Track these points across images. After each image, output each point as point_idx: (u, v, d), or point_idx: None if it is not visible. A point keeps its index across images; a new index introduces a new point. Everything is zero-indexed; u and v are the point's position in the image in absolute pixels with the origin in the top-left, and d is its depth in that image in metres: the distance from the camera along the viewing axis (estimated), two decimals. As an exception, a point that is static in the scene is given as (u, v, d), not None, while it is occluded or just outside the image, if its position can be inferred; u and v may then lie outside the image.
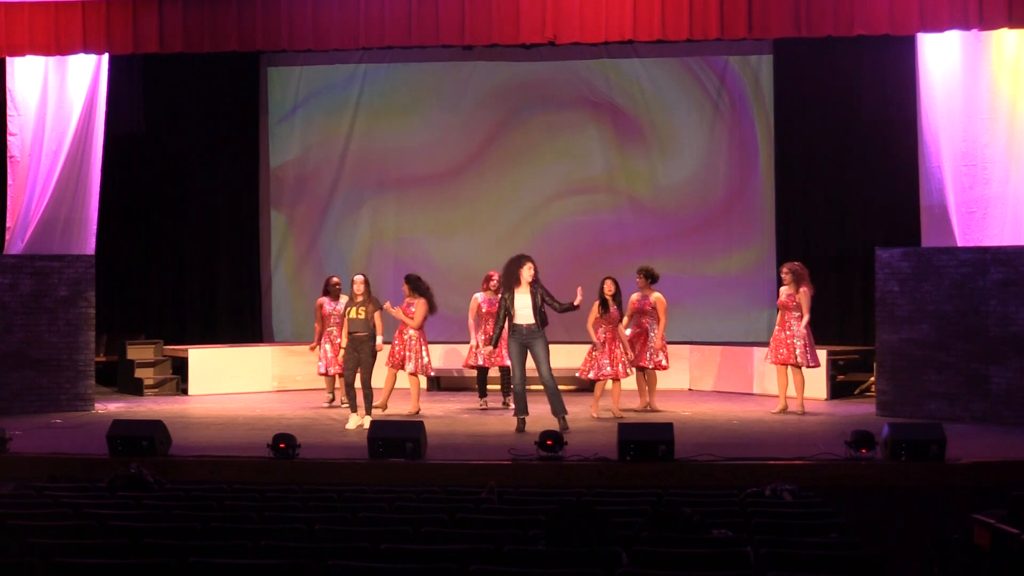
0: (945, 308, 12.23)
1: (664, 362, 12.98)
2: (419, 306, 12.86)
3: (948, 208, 12.36)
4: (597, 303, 12.43)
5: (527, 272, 11.51)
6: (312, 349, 13.79)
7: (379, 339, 12.03)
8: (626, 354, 12.54)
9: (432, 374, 13.52)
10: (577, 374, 12.86)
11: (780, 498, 7.55)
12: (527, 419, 11.46)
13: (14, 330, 13.19)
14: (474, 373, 13.68)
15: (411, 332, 12.88)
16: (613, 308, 12.42)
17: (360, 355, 11.92)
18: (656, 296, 12.88)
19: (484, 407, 13.26)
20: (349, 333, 12.00)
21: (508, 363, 12.52)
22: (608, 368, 12.43)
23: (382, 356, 12.54)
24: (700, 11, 11.97)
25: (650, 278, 12.94)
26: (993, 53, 12.16)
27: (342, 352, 12.38)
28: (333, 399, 13.69)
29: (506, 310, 11.52)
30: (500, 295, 11.78)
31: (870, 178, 14.98)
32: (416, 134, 16.61)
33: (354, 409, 11.99)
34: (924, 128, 12.53)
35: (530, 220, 16.36)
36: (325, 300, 13.60)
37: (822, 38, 12.43)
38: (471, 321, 13.24)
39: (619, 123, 16.31)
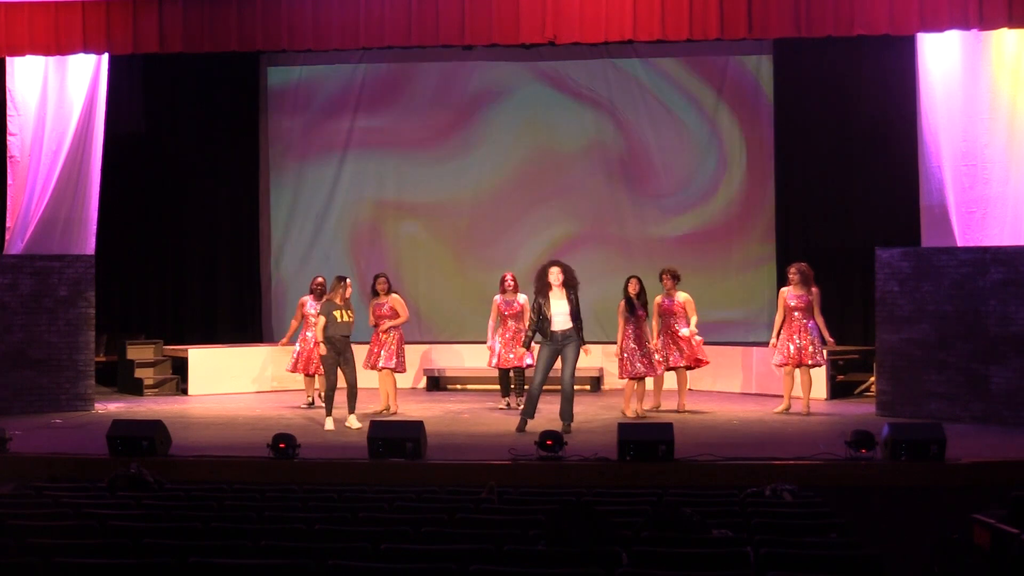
0: (945, 308, 12.23)
1: (703, 357, 12.97)
2: (399, 304, 12.89)
3: (948, 208, 12.36)
4: (623, 303, 12.44)
5: (553, 276, 11.57)
6: (283, 345, 13.90)
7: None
8: (655, 351, 12.55)
9: (404, 371, 13.38)
10: (618, 378, 12.89)
11: (780, 498, 7.55)
12: (530, 422, 11.45)
13: (14, 330, 13.20)
14: (484, 373, 13.74)
15: (392, 332, 12.86)
16: (639, 307, 12.42)
17: (344, 356, 11.89)
18: (685, 296, 12.85)
19: (507, 407, 13.22)
20: (332, 336, 11.91)
21: (524, 365, 12.83)
22: (640, 368, 12.44)
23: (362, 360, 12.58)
24: (700, 11, 11.97)
25: (676, 279, 12.85)
26: (993, 53, 12.17)
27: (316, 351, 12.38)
28: (313, 402, 13.62)
29: (541, 315, 11.52)
30: (534, 300, 11.76)
31: (870, 178, 14.98)
32: (416, 134, 16.61)
33: (329, 412, 11.89)
34: (924, 128, 12.54)
35: (530, 220, 16.36)
36: (309, 299, 13.57)
37: (822, 38, 12.43)
38: (491, 323, 13.26)
39: (618, 123, 16.31)
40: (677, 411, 12.73)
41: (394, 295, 12.99)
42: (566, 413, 11.43)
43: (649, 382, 12.83)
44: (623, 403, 12.68)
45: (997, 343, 11.95)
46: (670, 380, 13.10)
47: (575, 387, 11.69)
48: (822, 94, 15.38)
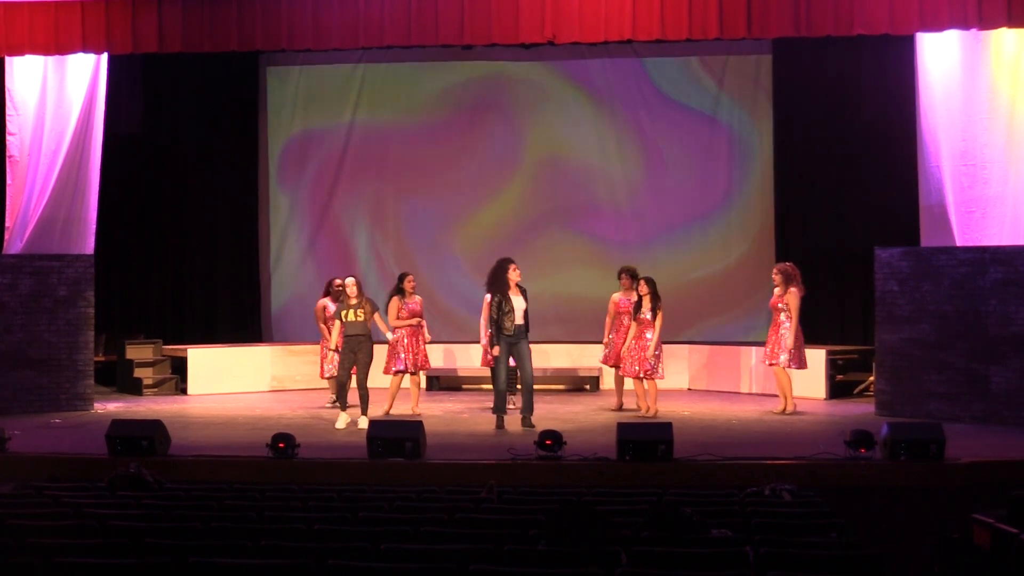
0: (945, 308, 12.23)
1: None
2: (421, 305, 12.93)
3: (947, 208, 12.36)
4: (633, 302, 12.56)
5: (514, 274, 11.83)
6: (333, 350, 12.95)
7: (390, 334, 12.32)
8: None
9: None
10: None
11: (779, 498, 7.55)
12: (505, 417, 11.78)
13: (13, 330, 13.19)
14: (482, 372, 13.73)
15: (419, 332, 12.89)
16: (644, 310, 12.43)
17: (358, 356, 11.91)
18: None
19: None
20: (346, 335, 11.97)
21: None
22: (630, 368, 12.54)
23: (380, 359, 12.56)
24: (700, 11, 11.96)
25: (636, 278, 12.85)
26: (992, 53, 12.16)
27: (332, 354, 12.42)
28: (335, 401, 13.62)
29: (501, 312, 11.73)
30: (492, 298, 11.89)
31: (869, 178, 14.98)
32: (415, 133, 16.61)
33: (344, 408, 11.99)
34: (923, 128, 12.54)
35: (529, 218, 16.36)
36: (328, 302, 13.52)
37: (822, 38, 12.43)
38: (483, 321, 13.24)
39: (618, 122, 16.30)
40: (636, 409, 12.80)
41: (418, 296, 13.02)
42: (527, 407, 11.69)
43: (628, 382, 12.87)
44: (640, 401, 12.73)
45: (997, 343, 11.95)
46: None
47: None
48: (821, 94, 15.37)
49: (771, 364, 12.64)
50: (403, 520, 6.69)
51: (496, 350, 11.92)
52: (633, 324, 12.51)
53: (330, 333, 12.86)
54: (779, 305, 12.57)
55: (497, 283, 11.84)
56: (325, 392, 13.93)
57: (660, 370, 12.49)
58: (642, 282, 12.49)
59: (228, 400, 14.41)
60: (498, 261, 12.03)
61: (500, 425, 11.67)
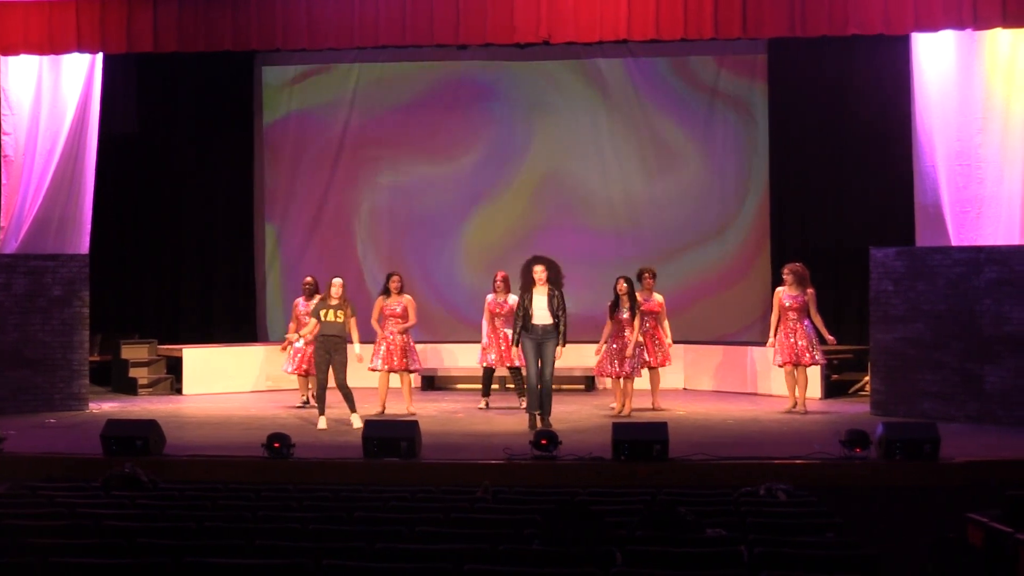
0: (939, 307, 12.25)
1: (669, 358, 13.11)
2: (411, 305, 12.92)
3: (942, 208, 12.38)
4: (611, 301, 12.55)
5: (538, 273, 11.79)
6: (283, 349, 13.68)
7: (358, 346, 12.00)
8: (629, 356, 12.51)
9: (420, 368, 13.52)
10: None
11: (775, 497, 7.56)
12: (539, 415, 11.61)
13: (8, 330, 13.17)
14: (477, 372, 13.74)
15: (404, 332, 12.87)
16: (621, 309, 12.42)
17: (333, 357, 11.88)
18: (659, 297, 12.89)
19: (486, 407, 13.26)
20: (322, 334, 11.94)
21: (518, 363, 12.83)
22: (608, 367, 12.52)
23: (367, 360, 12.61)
24: (695, 11, 11.98)
25: (655, 278, 12.92)
26: (987, 53, 12.19)
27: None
28: (307, 401, 13.61)
29: (524, 310, 11.70)
30: (520, 296, 11.96)
31: (865, 178, 15.00)
32: (411, 133, 16.59)
33: (322, 412, 11.93)
34: (918, 128, 12.56)
35: (527, 218, 16.36)
36: (301, 300, 13.60)
37: (817, 38, 12.45)
38: (484, 322, 13.28)
39: (614, 122, 16.30)
40: (652, 409, 12.77)
41: (407, 296, 13.01)
42: (545, 408, 11.60)
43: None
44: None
45: (991, 343, 11.96)
46: (641, 379, 13.04)
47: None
48: (817, 94, 15.39)
49: (803, 364, 12.57)
50: (399, 520, 6.70)
51: (518, 350, 12.07)
52: (609, 324, 12.49)
53: (296, 330, 13.28)
54: (796, 305, 12.50)
55: (523, 282, 11.91)
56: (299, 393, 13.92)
57: (638, 369, 12.53)
58: (620, 281, 12.47)
59: (223, 400, 14.40)
60: (528, 261, 12.11)
61: (533, 425, 11.48)
